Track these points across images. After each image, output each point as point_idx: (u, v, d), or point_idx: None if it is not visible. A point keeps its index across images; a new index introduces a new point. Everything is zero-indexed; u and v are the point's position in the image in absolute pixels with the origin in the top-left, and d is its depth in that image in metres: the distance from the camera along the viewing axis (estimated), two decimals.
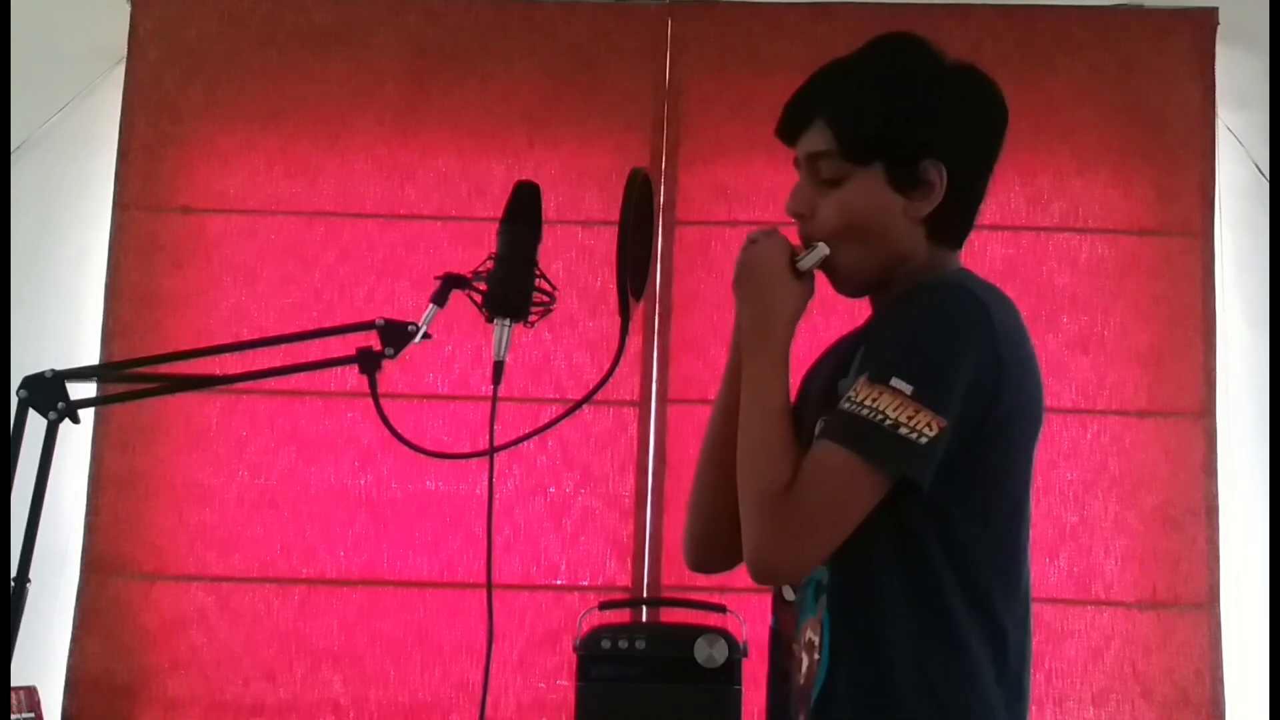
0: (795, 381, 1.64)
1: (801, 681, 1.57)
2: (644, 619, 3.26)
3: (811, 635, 1.56)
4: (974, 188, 1.61)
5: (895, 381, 1.45)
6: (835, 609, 1.53)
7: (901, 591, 1.50)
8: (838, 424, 1.47)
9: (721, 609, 3.00)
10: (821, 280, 1.63)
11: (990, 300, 1.52)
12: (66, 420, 1.66)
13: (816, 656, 1.54)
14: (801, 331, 1.61)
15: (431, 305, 1.68)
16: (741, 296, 1.62)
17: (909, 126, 1.56)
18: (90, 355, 3.33)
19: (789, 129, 1.62)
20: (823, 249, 1.58)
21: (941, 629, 1.50)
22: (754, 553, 1.51)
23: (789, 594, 1.62)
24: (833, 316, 2.92)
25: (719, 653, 2.89)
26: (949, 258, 1.62)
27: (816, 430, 1.52)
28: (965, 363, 1.47)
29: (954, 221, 1.60)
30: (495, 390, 1.66)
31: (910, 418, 1.44)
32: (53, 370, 1.67)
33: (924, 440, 1.43)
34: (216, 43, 3.53)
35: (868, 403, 1.45)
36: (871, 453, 1.45)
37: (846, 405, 1.47)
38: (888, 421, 1.44)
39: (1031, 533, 1.59)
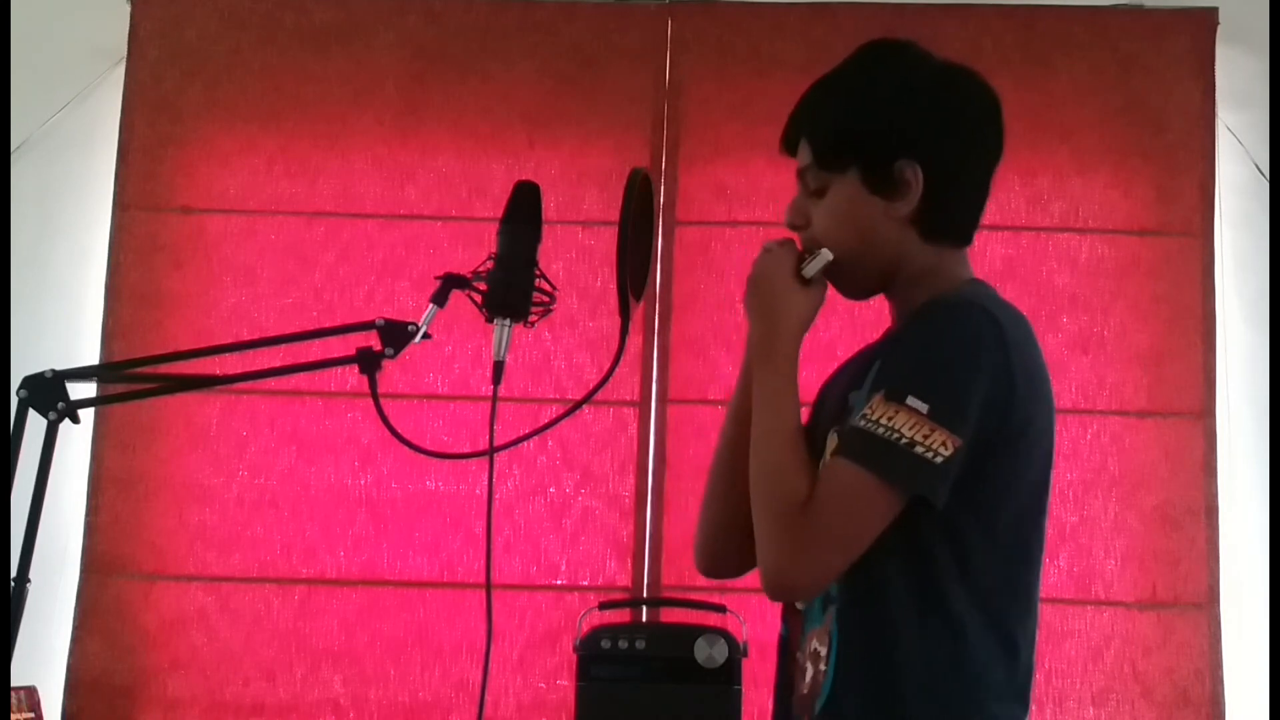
0: (806, 388, 1.64)
1: (805, 691, 1.57)
2: (644, 619, 3.26)
3: (817, 645, 1.56)
4: (960, 183, 1.61)
5: (911, 400, 1.45)
6: (843, 620, 1.53)
7: (910, 604, 1.50)
8: (853, 441, 1.48)
9: (721, 609, 3.00)
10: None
11: (1004, 317, 1.53)
12: (66, 420, 1.66)
13: (822, 667, 1.54)
14: (807, 337, 1.61)
15: (431, 305, 1.68)
16: (750, 308, 1.63)
17: (876, 130, 1.57)
18: (90, 355, 3.33)
19: (789, 146, 1.65)
20: (825, 254, 1.59)
21: (950, 642, 1.50)
22: (770, 570, 1.51)
23: (799, 603, 1.62)
24: (833, 318, 2.93)
25: (719, 653, 2.89)
26: (954, 258, 1.63)
27: (830, 445, 1.53)
28: (980, 382, 1.47)
29: (944, 218, 1.60)
30: (495, 390, 1.66)
31: (926, 436, 1.44)
32: (53, 370, 1.67)
33: (939, 459, 1.44)
34: (216, 43, 3.53)
35: (884, 421, 1.45)
36: (888, 471, 1.45)
37: (862, 423, 1.47)
38: (904, 440, 1.44)
39: (1045, 541, 1.60)
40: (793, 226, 1.64)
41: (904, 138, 1.57)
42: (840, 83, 1.62)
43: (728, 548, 1.68)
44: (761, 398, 1.58)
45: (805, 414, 1.66)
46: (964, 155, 1.61)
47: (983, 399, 1.47)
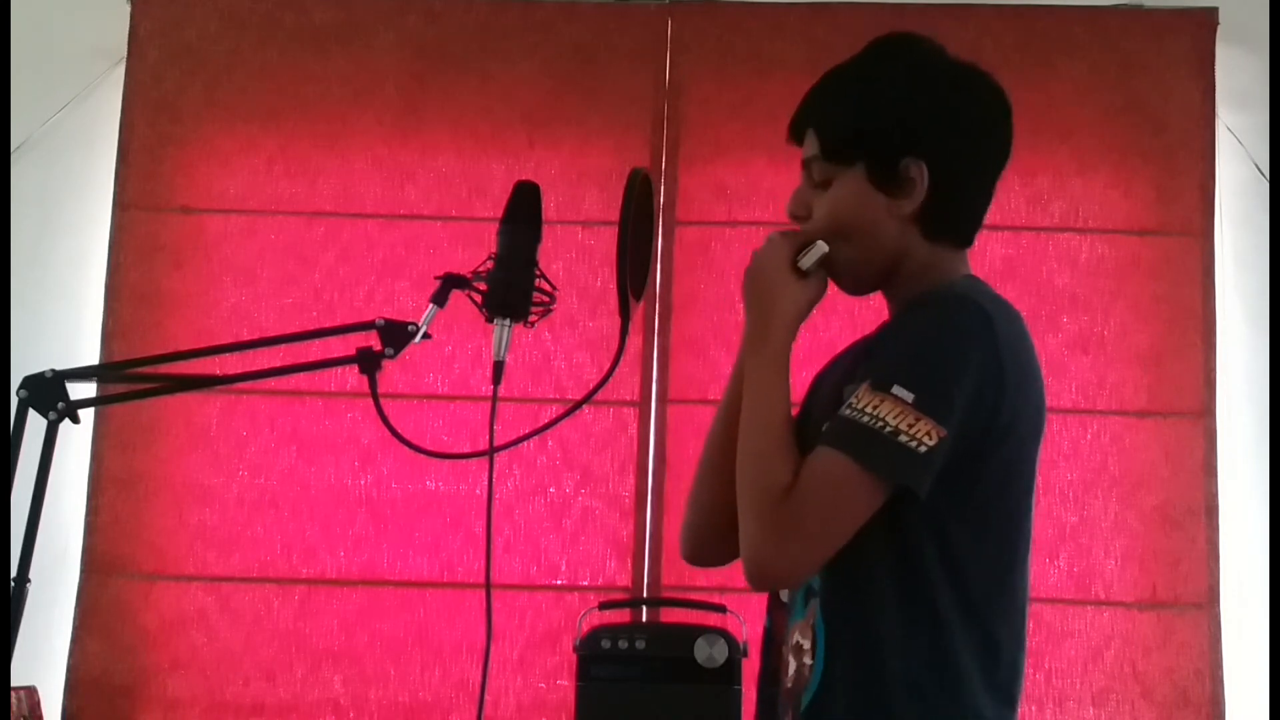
0: (799, 383, 1.64)
1: (789, 684, 1.57)
2: (644, 619, 3.26)
3: (799, 639, 1.56)
4: (965, 184, 1.60)
5: (897, 389, 1.44)
6: (829, 615, 1.53)
7: (895, 599, 1.50)
8: (838, 430, 1.47)
9: (721, 609, 3.00)
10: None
11: (996, 312, 1.52)
12: (66, 420, 1.66)
13: (807, 661, 1.54)
14: (802, 332, 1.61)
15: (431, 305, 1.68)
16: (745, 298, 1.63)
17: (886, 126, 1.57)
18: (90, 355, 3.33)
19: (795, 136, 1.64)
20: (821, 246, 1.59)
21: (933, 638, 1.49)
22: (751, 556, 1.50)
23: (784, 595, 1.62)
24: (833, 317, 2.92)
25: (719, 653, 2.89)
26: (953, 257, 1.62)
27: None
28: (968, 374, 1.46)
29: (947, 219, 1.60)
30: (495, 390, 1.66)
31: (910, 426, 1.43)
32: (53, 370, 1.67)
33: (923, 449, 1.43)
34: (216, 43, 3.53)
35: (868, 409, 1.45)
36: (870, 459, 1.44)
37: (847, 411, 1.47)
38: (888, 429, 1.43)
39: (1032, 536, 1.59)
40: (794, 217, 1.63)
41: (912, 135, 1.56)
42: (852, 76, 1.62)
43: (713, 535, 1.67)
44: (751, 386, 1.58)
45: (799, 408, 1.66)
46: (971, 156, 1.60)
47: (970, 391, 1.46)
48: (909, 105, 1.57)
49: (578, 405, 1.75)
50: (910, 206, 1.57)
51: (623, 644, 2.92)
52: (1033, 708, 3.21)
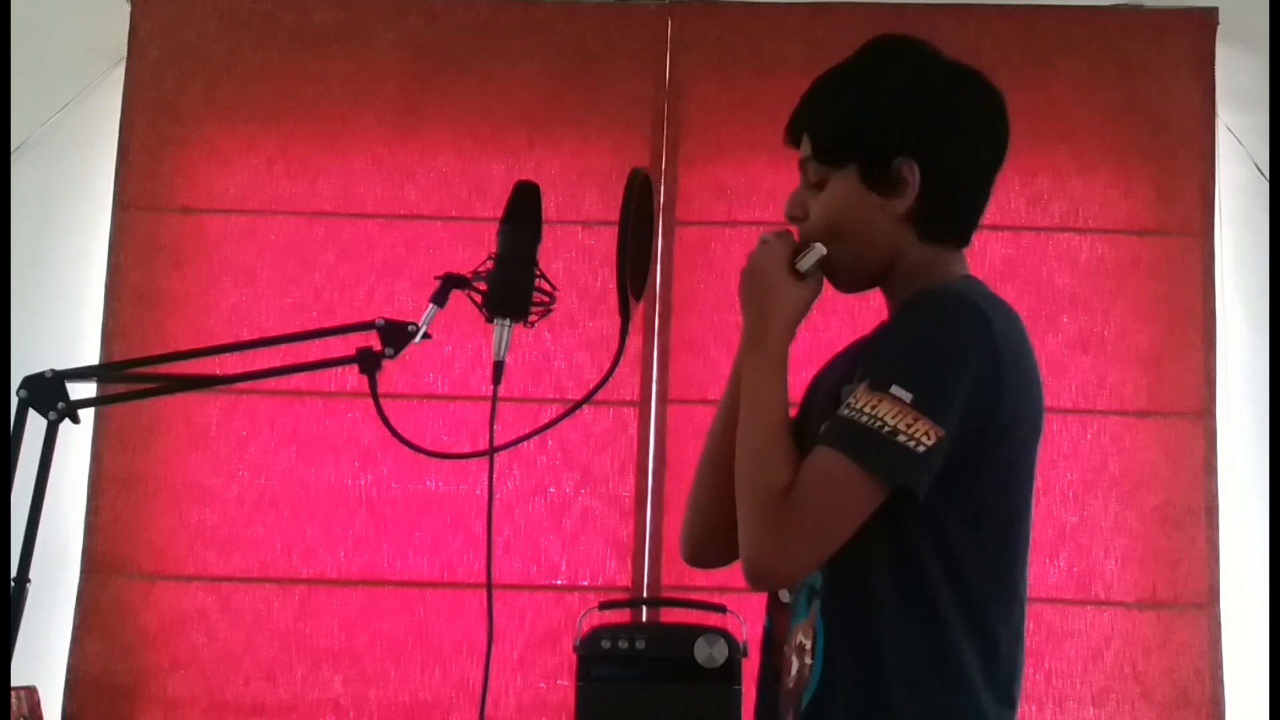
0: (799, 383, 1.64)
1: (791, 684, 1.58)
2: (644, 619, 3.26)
3: (802, 639, 1.56)
4: (958, 184, 1.61)
5: (895, 389, 1.45)
6: (829, 614, 1.53)
7: (895, 598, 1.50)
8: (837, 430, 1.48)
9: (721, 609, 3.00)
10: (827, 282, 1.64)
11: (993, 311, 1.52)
12: (66, 420, 1.66)
13: (808, 661, 1.54)
14: (802, 332, 1.61)
15: (431, 305, 1.68)
16: (743, 299, 1.64)
17: (876, 126, 1.57)
18: (90, 355, 3.33)
19: (791, 138, 1.65)
20: (819, 248, 1.59)
21: (934, 637, 1.49)
22: (750, 556, 1.51)
23: (784, 596, 1.63)
24: (833, 317, 2.91)
25: (719, 653, 2.89)
26: (950, 257, 1.62)
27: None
28: (966, 373, 1.47)
29: (941, 218, 1.60)
30: (495, 390, 1.66)
31: (909, 426, 1.44)
32: (53, 370, 1.67)
33: (921, 449, 1.43)
34: (216, 43, 3.53)
35: (867, 409, 1.45)
36: (869, 459, 1.45)
37: (846, 411, 1.47)
38: (886, 429, 1.44)
39: (1031, 536, 1.59)
40: (791, 218, 1.64)
41: (904, 136, 1.57)
42: (844, 78, 1.63)
43: (712, 537, 1.68)
44: (749, 387, 1.58)
45: (797, 409, 1.67)
46: (964, 156, 1.60)
47: (969, 391, 1.46)
48: (900, 106, 1.58)
49: (578, 405, 1.76)
50: (903, 206, 1.57)
51: (623, 644, 2.93)
52: (1033, 708, 3.21)
